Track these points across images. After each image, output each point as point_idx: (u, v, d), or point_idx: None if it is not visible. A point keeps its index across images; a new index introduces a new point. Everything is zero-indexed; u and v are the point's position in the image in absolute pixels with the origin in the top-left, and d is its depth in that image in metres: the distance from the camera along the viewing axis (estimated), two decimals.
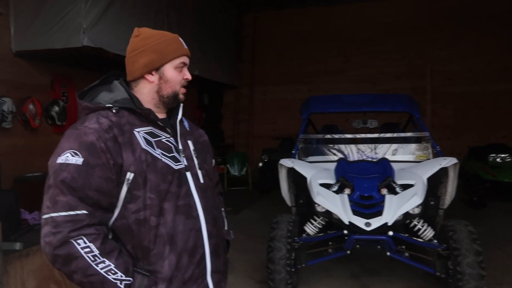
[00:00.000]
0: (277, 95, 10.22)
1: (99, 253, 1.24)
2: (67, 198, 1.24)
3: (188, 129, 1.56)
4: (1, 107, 4.68)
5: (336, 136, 4.66)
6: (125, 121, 1.36)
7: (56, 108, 5.64)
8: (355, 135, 4.59)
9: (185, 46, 1.49)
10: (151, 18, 6.16)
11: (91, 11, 4.85)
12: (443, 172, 3.77)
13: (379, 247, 3.41)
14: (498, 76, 8.97)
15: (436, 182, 3.85)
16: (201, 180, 1.46)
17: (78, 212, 1.24)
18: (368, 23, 9.62)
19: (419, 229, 3.64)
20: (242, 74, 10.39)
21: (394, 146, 4.44)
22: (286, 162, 4.03)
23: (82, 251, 1.23)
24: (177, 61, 1.45)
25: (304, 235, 3.84)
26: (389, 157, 4.24)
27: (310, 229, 3.86)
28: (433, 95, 9.37)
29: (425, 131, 4.38)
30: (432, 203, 3.83)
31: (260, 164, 8.46)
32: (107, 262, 1.25)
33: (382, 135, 4.55)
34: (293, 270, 3.57)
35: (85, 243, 1.23)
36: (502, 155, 6.95)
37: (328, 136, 4.73)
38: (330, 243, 3.81)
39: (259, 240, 4.88)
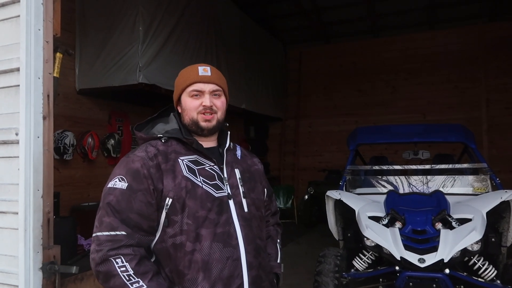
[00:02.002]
0: (323, 127, 10.18)
1: (133, 273, 1.31)
2: (110, 219, 1.35)
3: (239, 157, 1.61)
4: (63, 141, 5.04)
5: (385, 167, 4.52)
6: (172, 150, 1.46)
7: (112, 141, 5.98)
8: (405, 166, 4.43)
9: (201, 73, 1.50)
10: (201, 55, 6.48)
11: (147, 51, 5.21)
12: (504, 206, 3.51)
13: (434, 286, 3.19)
14: None
15: (497, 217, 3.59)
16: (245, 209, 1.47)
17: (118, 232, 1.34)
18: (415, 54, 9.46)
19: (480, 268, 3.37)
20: (288, 107, 10.51)
21: (449, 178, 4.22)
22: (334, 194, 3.95)
23: (118, 270, 1.31)
24: (189, 89, 1.50)
25: (352, 270, 3.69)
26: (444, 189, 4.04)
27: (359, 264, 3.70)
28: (489, 125, 8.90)
29: (483, 162, 4.14)
30: (493, 239, 3.56)
31: (306, 197, 8.33)
32: (141, 283, 1.31)
33: (435, 166, 4.35)
34: None
35: (122, 262, 1.31)
36: None
37: (377, 167, 4.60)
38: (381, 280, 3.62)
39: (305, 276, 4.74)
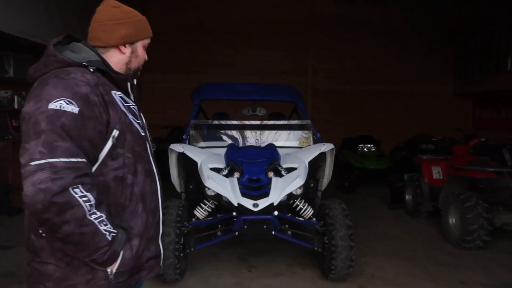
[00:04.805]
0: (167, 84, 10.00)
1: (94, 203, 1.24)
2: (67, 144, 1.21)
3: None
4: None
5: (226, 122, 4.75)
6: (102, 82, 1.39)
7: None
8: (244, 121, 4.74)
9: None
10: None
11: None
12: (321, 157, 4.14)
13: (265, 226, 3.60)
14: (367, 78, 10.21)
15: (315, 166, 4.21)
16: (152, 149, 1.58)
17: (80, 159, 1.23)
18: (257, 19, 10.01)
19: (301, 209, 3.94)
20: None
21: (280, 132, 4.72)
22: (177, 147, 3.97)
23: (80, 200, 1.21)
24: (146, 41, 1.59)
25: (193, 219, 3.86)
26: (276, 143, 4.49)
27: (200, 213, 3.89)
28: (313, 91, 10.21)
29: (308, 119, 4.74)
30: (312, 185, 4.18)
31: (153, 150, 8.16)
32: (99, 213, 1.26)
33: (269, 122, 4.79)
34: (181, 255, 3.56)
35: (82, 192, 1.21)
36: (369, 145, 7.91)
37: (218, 122, 4.80)
38: (219, 226, 3.89)
39: None
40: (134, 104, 1.52)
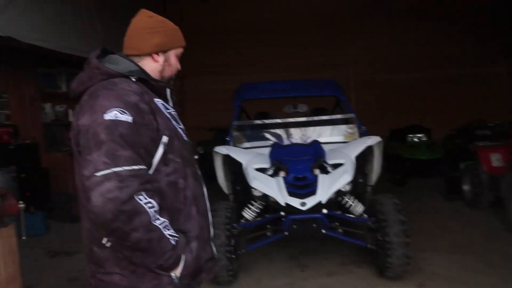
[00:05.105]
0: (209, 86, 10.16)
1: (158, 209, 1.27)
2: (128, 152, 1.24)
3: None
4: None
5: (269, 121, 4.73)
6: (145, 90, 1.42)
7: None
8: (286, 119, 4.69)
9: None
10: (69, 8, 5.78)
11: None
12: (369, 150, 4.00)
13: (314, 225, 3.54)
14: (412, 65, 9.77)
15: (363, 160, 4.07)
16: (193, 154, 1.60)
17: (141, 167, 1.26)
18: (292, 15, 9.90)
19: (350, 205, 3.83)
20: None
21: (324, 128, 4.62)
22: (221, 149, 4.01)
23: (145, 206, 1.23)
24: (179, 50, 1.60)
25: (242, 220, 3.86)
26: (320, 139, 4.41)
27: (248, 214, 3.89)
28: (356, 82, 9.93)
29: (351, 112, 4.61)
30: (360, 180, 4.05)
31: (196, 157, 8.31)
32: (162, 219, 1.29)
33: (311, 118, 4.70)
34: (233, 256, 3.58)
35: (146, 198, 1.24)
36: (419, 135, 7.56)
37: (261, 121, 4.78)
38: (268, 226, 3.87)
39: None
40: (174, 110, 1.54)
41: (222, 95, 9.66)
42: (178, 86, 10.23)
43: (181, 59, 1.61)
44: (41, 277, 3.98)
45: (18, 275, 2.26)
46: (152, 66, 1.53)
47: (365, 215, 3.80)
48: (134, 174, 1.23)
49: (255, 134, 4.74)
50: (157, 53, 1.53)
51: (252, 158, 3.98)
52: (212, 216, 3.54)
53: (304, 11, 9.91)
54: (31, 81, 6.44)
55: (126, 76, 1.42)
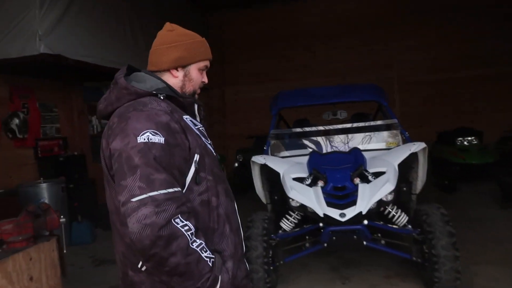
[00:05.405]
0: (249, 94, 10.19)
1: (195, 231, 1.24)
2: (163, 175, 1.21)
3: None
4: None
5: (306, 129, 4.63)
6: (174, 108, 1.40)
7: (16, 121, 5.42)
8: (325, 127, 4.57)
9: (210, 52, 1.58)
10: (112, 22, 6.00)
11: (46, 17, 4.67)
12: (413, 157, 3.80)
13: (355, 237, 3.39)
14: (461, 64, 9.24)
15: (407, 168, 3.88)
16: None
17: (176, 189, 1.23)
18: (333, 18, 9.71)
19: (393, 216, 3.65)
20: (213, 75, 10.26)
21: (364, 135, 4.45)
22: (258, 159, 3.97)
23: (183, 230, 1.20)
24: (202, 64, 1.53)
25: (280, 231, 3.80)
26: (360, 146, 4.25)
27: (286, 224, 3.81)
28: (399, 85, 9.55)
29: (393, 118, 4.41)
30: (404, 189, 3.86)
31: (236, 165, 8.37)
32: (199, 241, 1.25)
33: (351, 125, 4.55)
34: (271, 268, 3.52)
35: (182, 221, 1.21)
36: (469, 138, 7.12)
37: (299, 129, 4.70)
38: (307, 237, 3.78)
39: None
40: (201, 126, 1.51)
41: (262, 102, 9.65)
42: (218, 94, 10.39)
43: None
44: (86, 285, 4.13)
45: None
46: (172, 81, 1.49)
47: (410, 226, 3.60)
48: (170, 197, 1.20)
49: (293, 142, 4.65)
50: (176, 69, 1.49)
51: (289, 167, 3.90)
52: (249, 227, 3.55)
53: (344, 12, 9.70)
54: (79, 95, 6.77)
55: (154, 94, 1.39)
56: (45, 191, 5.20)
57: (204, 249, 1.26)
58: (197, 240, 1.24)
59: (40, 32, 4.57)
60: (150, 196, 1.18)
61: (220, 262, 1.32)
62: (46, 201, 5.03)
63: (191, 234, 1.22)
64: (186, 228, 1.21)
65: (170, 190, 1.21)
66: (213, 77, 10.16)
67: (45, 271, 2.10)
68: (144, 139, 1.23)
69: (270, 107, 4.93)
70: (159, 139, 1.25)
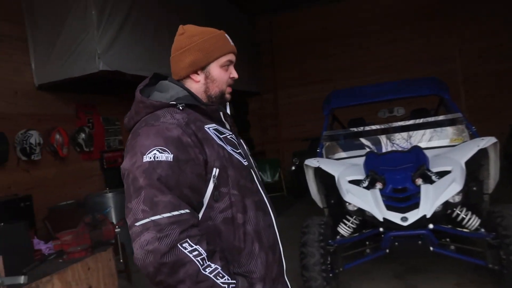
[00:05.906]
0: (302, 96, 10.03)
1: (206, 256, 1.14)
2: (168, 197, 1.14)
3: None
4: (28, 140, 4.81)
5: (360, 129, 4.42)
6: (193, 118, 1.29)
7: (83, 135, 5.76)
8: (381, 125, 4.33)
9: (231, 43, 1.43)
10: (164, 35, 6.20)
11: (104, 36, 4.94)
12: (482, 154, 3.46)
13: (420, 242, 3.15)
14: None
15: (476, 165, 3.54)
16: (259, 177, 1.43)
17: (182, 211, 1.14)
18: (384, 12, 9.30)
19: (463, 219, 3.34)
20: (264, 80, 10.29)
21: (425, 132, 4.14)
22: (312, 162, 3.85)
23: (190, 255, 1.12)
24: (223, 59, 1.39)
25: (338, 237, 3.63)
26: (421, 144, 3.97)
27: (344, 230, 3.65)
28: (464, 76, 8.88)
29: (457, 112, 4.07)
30: (474, 188, 3.54)
31: (293, 168, 8.28)
32: (213, 266, 1.15)
33: (410, 121, 4.27)
34: (330, 275, 3.37)
35: (191, 246, 1.12)
36: None
37: (353, 129, 4.49)
38: (367, 243, 3.58)
39: (295, 247, 4.69)
40: (231, 133, 1.39)
41: (315, 104, 9.47)
42: (271, 99, 10.37)
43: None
44: None
45: None
46: (194, 87, 1.38)
47: (483, 230, 3.27)
48: (174, 221, 1.12)
49: (348, 143, 4.46)
50: (195, 73, 1.38)
51: (344, 170, 3.74)
52: (305, 233, 3.43)
53: (397, 5, 9.23)
54: None
55: (172, 105, 1.30)
56: (111, 200, 5.47)
57: (220, 275, 1.15)
58: (212, 265, 1.15)
59: (99, 50, 4.84)
60: (152, 220, 1.11)
61: (245, 286, 1.22)
62: (112, 210, 5.29)
63: (202, 259, 1.13)
64: (195, 253, 1.12)
65: (175, 213, 1.13)
66: (265, 82, 10.23)
67: (103, 279, 2.17)
68: (150, 158, 1.17)
69: (322, 108, 4.79)
70: (166, 156, 1.17)
